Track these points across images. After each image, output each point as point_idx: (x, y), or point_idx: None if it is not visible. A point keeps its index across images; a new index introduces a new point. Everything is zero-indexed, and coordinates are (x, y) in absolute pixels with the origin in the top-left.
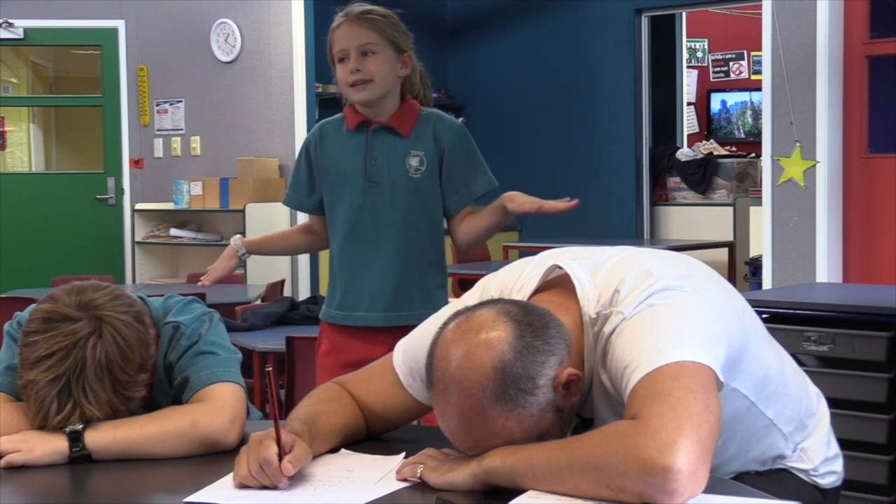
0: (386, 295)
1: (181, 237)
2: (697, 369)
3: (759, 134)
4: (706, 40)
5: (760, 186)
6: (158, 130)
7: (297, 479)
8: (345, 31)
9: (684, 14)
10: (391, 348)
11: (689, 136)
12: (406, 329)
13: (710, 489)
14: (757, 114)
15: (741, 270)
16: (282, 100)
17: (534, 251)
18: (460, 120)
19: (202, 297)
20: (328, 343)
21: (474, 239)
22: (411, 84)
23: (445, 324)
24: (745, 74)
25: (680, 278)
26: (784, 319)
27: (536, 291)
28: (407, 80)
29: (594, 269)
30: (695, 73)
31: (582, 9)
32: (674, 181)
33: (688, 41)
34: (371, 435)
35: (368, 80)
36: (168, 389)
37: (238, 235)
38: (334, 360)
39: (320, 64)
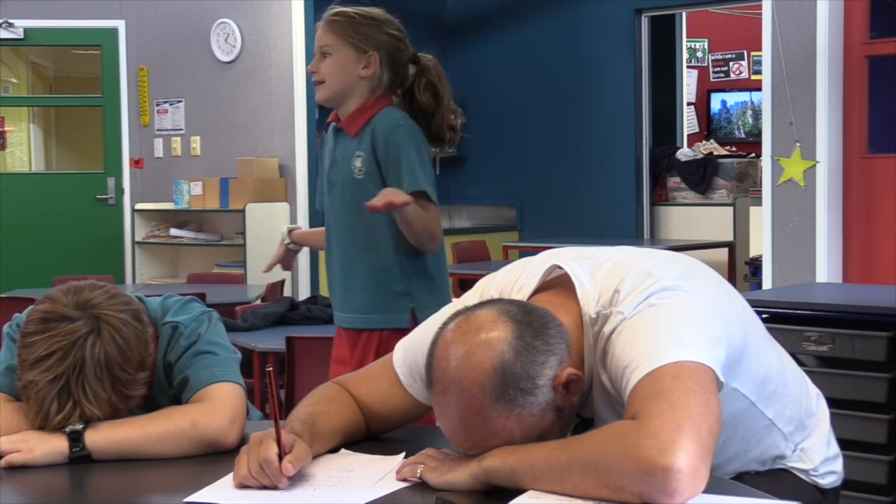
0: (342, 296)
1: (181, 237)
2: (697, 369)
3: (759, 134)
4: (706, 40)
5: (760, 186)
6: (158, 130)
7: (297, 479)
8: (317, 34)
9: (684, 14)
10: (351, 350)
11: (689, 136)
12: (368, 333)
13: (710, 489)
14: (757, 114)
15: (741, 270)
16: (282, 100)
17: (534, 251)
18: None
19: (202, 296)
20: None
21: (409, 238)
22: (379, 83)
23: (445, 324)
24: (745, 74)
25: (680, 278)
26: (784, 319)
27: (536, 291)
28: (376, 78)
29: (594, 269)
30: (695, 73)
31: (582, 9)
32: (674, 181)
33: (688, 41)
34: (371, 435)
35: (321, 82)
36: (168, 389)
37: (287, 227)
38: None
39: None
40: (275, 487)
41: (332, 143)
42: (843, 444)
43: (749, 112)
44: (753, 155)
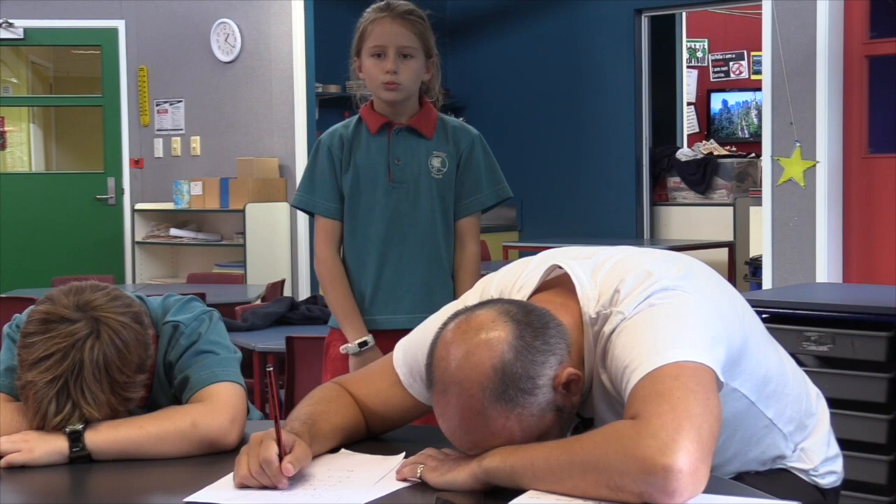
0: (411, 297)
1: (181, 237)
2: (697, 369)
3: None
4: (706, 40)
5: (760, 186)
6: (158, 130)
7: (297, 479)
8: (386, 28)
9: (684, 14)
10: None
11: (689, 136)
12: None
13: (710, 489)
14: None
15: (741, 270)
16: (282, 100)
17: (534, 251)
18: (460, 119)
19: (202, 296)
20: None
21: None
22: (429, 88)
23: (445, 324)
24: (745, 74)
25: (680, 278)
26: (784, 319)
27: (536, 291)
28: (427, 83)
29: (594, 269)
30: (695, 73)
31: (582, 9)
32: (674, 181)
33: (688, 41)
34: (371, 435)
35: (398, 84)
36: (168, 389)
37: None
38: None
39: (320, 64)
40: (275, 487)
41: (383, 143)
42: (843, 444)
43: (754, 112)
44: (753, 155)
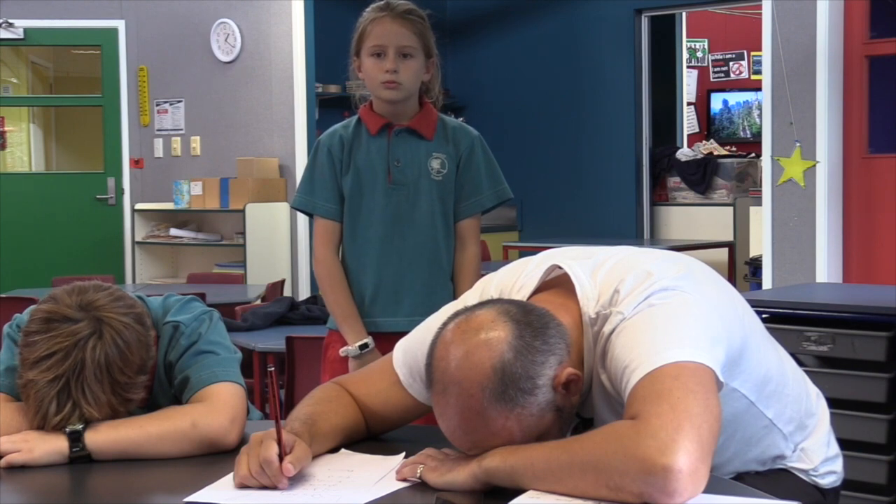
0: (411, 299)
1: (181, 237)
2: (697, 369)
3: None
4: (706, 40)
5: (760, 186)
6: (158, 130)
7: (297, 479)
8: (386, 27)
9: (684, 14)
10: None
11: (689, 136)
12: None
13: (710, 489)
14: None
15: (741, 270)
16: (282, 100)
17: (534, 251)
18: (460, 119)
19: (202, 296)
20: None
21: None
22: (429, 88)
23: (445, 324)
24: (745, 74)
25: (680, 278)
26: (784, 319)
27: (536, 291)
28: (427, 83)
29: (594, 269)
30: (695, 73)
31: (582, 9)
32: (674, 181)
33: (688, 41)
34: (371, 435)
35: (399, 83)
36: (168, 389)
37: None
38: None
39: (320, 64)
40: (275, 487)
41: (382, 144)
42: (843, 444)
43: (756, 112)
44: (753, 155)
